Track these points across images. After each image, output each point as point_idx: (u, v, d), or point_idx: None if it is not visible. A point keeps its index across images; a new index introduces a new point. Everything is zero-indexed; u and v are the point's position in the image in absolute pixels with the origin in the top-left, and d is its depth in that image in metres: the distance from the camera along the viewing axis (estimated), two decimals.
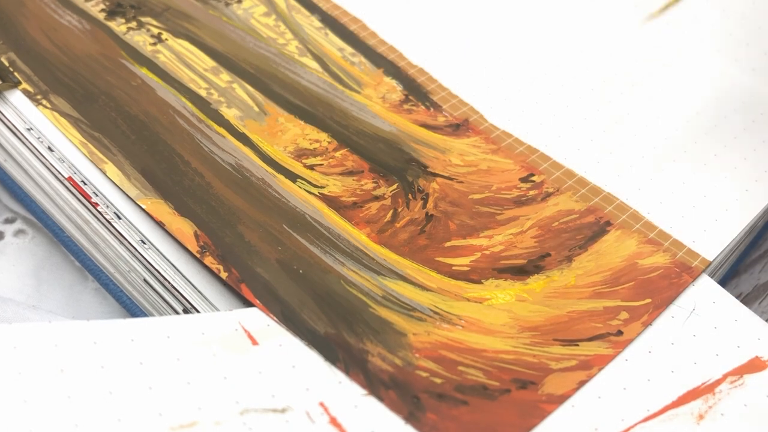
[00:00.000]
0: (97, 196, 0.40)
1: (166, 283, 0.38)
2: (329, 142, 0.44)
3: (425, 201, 0.42)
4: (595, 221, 0.42)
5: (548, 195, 0.43)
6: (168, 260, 0.38)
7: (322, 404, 0.33)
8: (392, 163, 0.44)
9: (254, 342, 0.35)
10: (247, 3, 0.50)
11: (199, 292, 0.38)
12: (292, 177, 0.42)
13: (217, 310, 0.37)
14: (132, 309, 0.40)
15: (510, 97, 0.47)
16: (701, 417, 0.35)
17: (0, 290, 0.42)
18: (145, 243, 0.39)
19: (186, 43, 0.47)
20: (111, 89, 0.44)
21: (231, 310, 0.37)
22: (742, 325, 0.38)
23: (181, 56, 0.46)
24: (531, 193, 0.43)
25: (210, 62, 0.46)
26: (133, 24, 0.47)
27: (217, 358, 0.34)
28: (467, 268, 0.40)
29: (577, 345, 0.37)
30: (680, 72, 0.49)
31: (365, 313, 0.37)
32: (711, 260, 0.41)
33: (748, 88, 0.48)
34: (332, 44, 0.49)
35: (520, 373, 0.36)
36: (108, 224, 0.40)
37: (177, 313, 0.38)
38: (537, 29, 0.51)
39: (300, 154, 0.43)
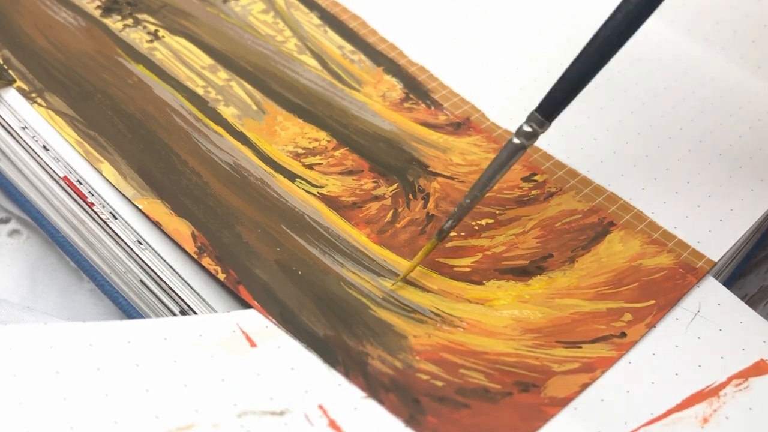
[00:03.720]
0: (92, 195, 0.40)
1: (163, 284, 0.38)
2: (328, 141, 0.44)
3: (426, 201, 0.42)
4: (599, 221, 0.42)
5: (551, 195, 0.43)
6: (165, 261, 0.38)
7: (321, 407, 0.33)
8: (392, 162, 0.43)
9: (252, 344, 0.35)
10: (244, 0, 0.50)
11: (197, 293, 0.37)
12: (291, 176, 0.42)
13: (215, 311, 0.37)
14: (128, 310, 0.40)
15: (512, 96, 0.47)
16: (705, 421, 0.35)
17: None
18: (141, 243, 0.38)
19: (183, 41, 0.47)
20: (107, 87, 0.43)
21: (229, 311, 0.37)
22: (747, 328, 0.38)
23: (178, 54, 0.46)
24: (533, 192, 0.43)
25: (207, 60, 0.46)
26: (130, 21, 0.47)
27: (215, 360, 0.34)
28: (469, 269, 0.39)
29: (580, 347, 0.37)
30: (684, 70, 0.48)
31: (365, 314, 0.37)
32: (716, 261, 0.40)
33: (752, 86, 0.47)
34: (331, 42, 0.48)
35: (522, 375, 0.35)
36: (104, 224, 0.39)
37: (174, 314, 0.38)
38: (540, 27, 0.50)
39: (299, 154, 0.43)
